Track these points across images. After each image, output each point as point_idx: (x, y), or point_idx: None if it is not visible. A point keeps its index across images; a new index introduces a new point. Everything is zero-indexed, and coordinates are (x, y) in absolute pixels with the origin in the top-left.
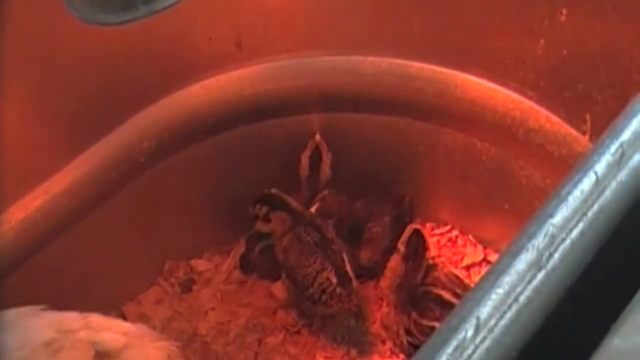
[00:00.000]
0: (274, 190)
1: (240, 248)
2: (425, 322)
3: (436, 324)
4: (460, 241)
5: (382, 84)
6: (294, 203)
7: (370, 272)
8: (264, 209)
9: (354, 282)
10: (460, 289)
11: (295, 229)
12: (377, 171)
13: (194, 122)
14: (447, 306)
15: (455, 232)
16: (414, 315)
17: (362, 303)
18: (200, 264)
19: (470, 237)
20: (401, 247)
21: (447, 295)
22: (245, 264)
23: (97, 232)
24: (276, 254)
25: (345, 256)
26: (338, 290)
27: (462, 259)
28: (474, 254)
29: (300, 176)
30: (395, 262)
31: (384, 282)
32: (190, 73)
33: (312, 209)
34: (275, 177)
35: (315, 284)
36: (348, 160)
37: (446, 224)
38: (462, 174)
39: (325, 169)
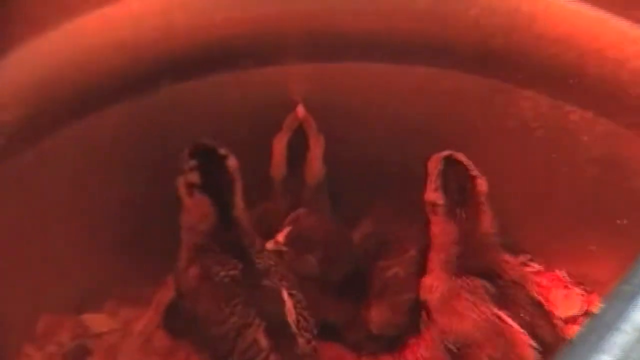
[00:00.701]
0: (223, 152)
1: (167, 293)
2: None
3: None
4: (546, 281)
5: (410, 14)
6: (239, 199)
7: (387, 342)
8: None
9: (304, 340)
10: (541, 329)
11: (206, 253)
12: (400, 163)
13: (87, 78)
14: None
15: (537, 266)
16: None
17: None
18: (99, 321)
19: (563, 274)
20: (435, 195)
21: None
22: (175, 320)
23: None
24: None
25: (288, 295)
26: (273, 358)
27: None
28: (569, 301)
29: (273, 176)
30: (439, 226)
31: (432, 258)
32: None
33: (279, 238)
34: None
35: (236, 352)
36: (350, 146)
37: (523, 253)
38: (548, 166)
39: (315, 164)
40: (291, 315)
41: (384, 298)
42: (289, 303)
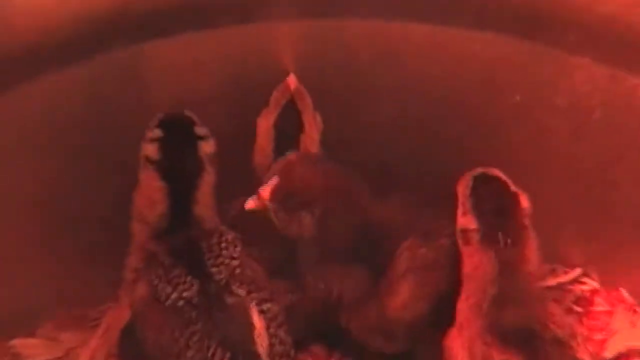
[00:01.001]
0: (201, 131)
1: (120, 313)
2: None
3: None
4: (599, 299)
5: None
6: (204, 193)
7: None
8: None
9: None
10: None
11: (156, 268)
12: (418, 150)
13: (20, 38)
14: None
15: (594, 284)
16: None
17: None
18: (33, 347)
19: (623, 291)
20: (466, 220)
21: None
22: (132, 347)
23: None
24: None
25: (258, 313)
26: None
27: (604, 333)
28: (635, 328)
29: (256, 163)
30: (473, 260)
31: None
32: None
33: (264, 192)
34: None
35: None
36: (354, 126)
37: (572, 266)
38: (607, 155)
39: (309, 148)
40: (262, 343)
41: (407, 276)
42: (259, 325)
